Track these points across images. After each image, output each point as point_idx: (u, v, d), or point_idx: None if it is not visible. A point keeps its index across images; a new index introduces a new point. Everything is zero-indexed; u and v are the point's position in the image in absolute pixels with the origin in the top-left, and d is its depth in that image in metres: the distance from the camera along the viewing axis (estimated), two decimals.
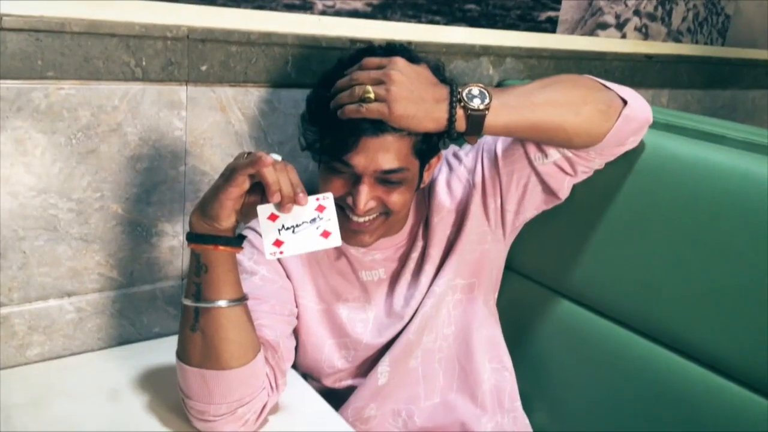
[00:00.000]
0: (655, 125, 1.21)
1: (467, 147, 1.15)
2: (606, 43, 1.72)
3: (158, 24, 1.03)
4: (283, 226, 0.79)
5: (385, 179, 0.94)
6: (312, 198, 0.81)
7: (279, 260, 1.05)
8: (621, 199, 1.15)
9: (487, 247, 1.10)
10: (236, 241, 0.84)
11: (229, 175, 0.78)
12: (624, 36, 1.76)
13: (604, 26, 1.70)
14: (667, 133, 1.16)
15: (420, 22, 1.35)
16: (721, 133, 1.13)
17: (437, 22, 1.38)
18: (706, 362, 1.06)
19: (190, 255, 0.84)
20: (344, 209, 0.96)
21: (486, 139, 1.09)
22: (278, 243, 0.80)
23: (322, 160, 0.98)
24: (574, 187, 1.12)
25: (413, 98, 0.85)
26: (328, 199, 0.81)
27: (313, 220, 0.80)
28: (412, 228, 1.11)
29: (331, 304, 1.09)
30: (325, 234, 0.80)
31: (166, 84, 1.07)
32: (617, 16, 1.71)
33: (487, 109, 0.86)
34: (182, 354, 0.86)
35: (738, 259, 1.01)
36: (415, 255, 1.10)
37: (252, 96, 1.17)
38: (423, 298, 1.08)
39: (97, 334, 1.12)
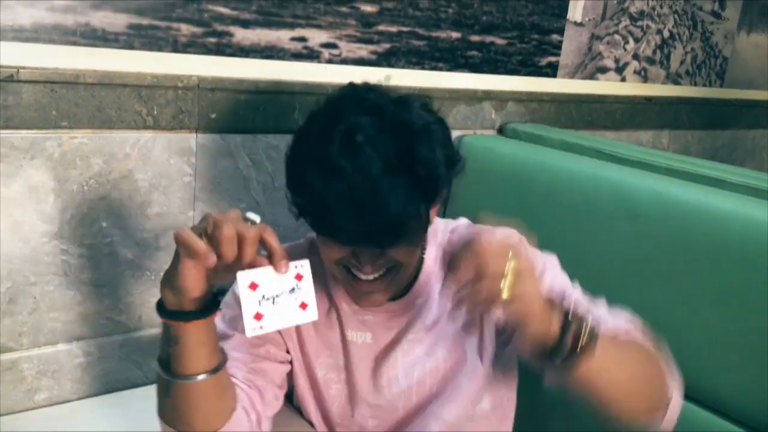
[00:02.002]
0: (657, 169, 1.23)
1: None
2: (606, 86, 1.75)
3: (169, 74, 1.07)
4: (263, 297, 0.72)
5: None
6: (291, 264, 0.72)
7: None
8: (623, 244, 1.16)
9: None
10: (210, 307, 0.74)
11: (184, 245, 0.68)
12: (624, 79, 1.79)
13: (603, 70, 1.73)
14: (668, 177, 1.18)
15: (423, 68, 1.38)
16: (721, 177, 1.15)
17: (440, 69, 1.41)
18: (709, 405, 1.05)
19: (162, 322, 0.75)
20: (349, 269, 0.86)
21: None
22: (258, 316, 0.72)
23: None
24: (575, 232, 1.14)
25: (528, 294, 0.72)
26: (304, 267, 0.73)
27: (292, 290, 0.73)
28: (414, 293, 0.98)
29: (310, 359, 1.00)
30: (303, 306, 0.73)
31: (177, 132, 1.10)
32: (616, 60, 1.75)
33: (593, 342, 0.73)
34: (159, 410, 0.82)
35: (740, 303, 1.02)
36: (416, 326, 0.97)
37: (260, 142, 1.19)
38: (412, 385, 0.97)
39: (105, 378, 1.13)
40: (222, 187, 1.17)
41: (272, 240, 0.70)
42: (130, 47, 1.04)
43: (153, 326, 1.16)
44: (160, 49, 1.06)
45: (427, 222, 0.86)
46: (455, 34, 1.42)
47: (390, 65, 1.33)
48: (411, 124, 0.80)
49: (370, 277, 0.86)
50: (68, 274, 1.05)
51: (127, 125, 1.05)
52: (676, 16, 1.84)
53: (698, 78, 1.99)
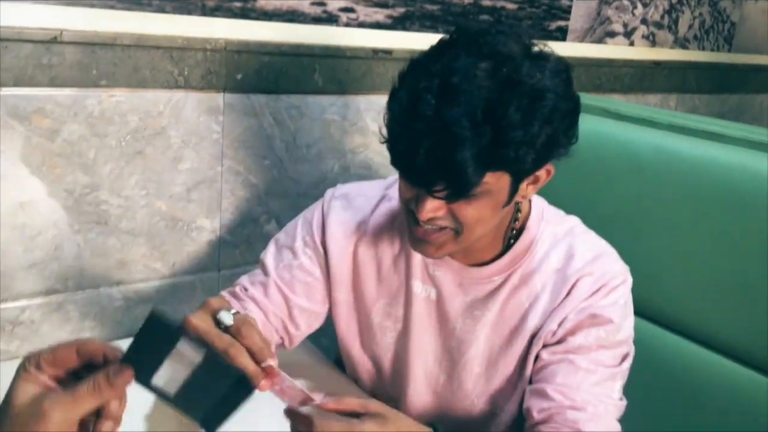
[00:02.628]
0: (659, 126, 1.29)
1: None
2: (615, 50, 1.80)
3: (198, 37, 1.14)
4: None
5: None
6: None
7: (325, 252, 1.01)
8: (628, 196, 1.23)
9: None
10: None
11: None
12: (632, 44, 1.84)
13: (612, 34, 1.78)
14: (670, 133, 1.24)
15: (437, 32, 1.44)
16: (721, 131, 1.21)
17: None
18: (709, 342, 1.13)
19: None
20: (412, 213, 0.84)
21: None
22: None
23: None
24: (583, 187, 1.21)
25: None
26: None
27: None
28: (494, 269, 0.95)
29: (367, 300, 1.02)
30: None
31: (206, 92, 1.17)
32: (625, 25, 1.80)
33: None
34: None
35: (738, 248, 1.09)
36: (484, 304, 0.96)
37: (282, 102, 1.27)
38: (456, 368, 0.99)
39: (142, 320, 1.22)
40: (247, 145, 1.25)
41: (254, 339, 0.65)
42: (162, 11, 1.11)
43: (186, 273, 1.24)
44: (189, 13, 1.13)
45: (498, 197, 0.82)
46: (467, 0, 1.48)
47: (405, 29, 1.40)
48: (521, 83, 0.75)
49: (426, 227, 0.83)
50: (108, 223, 1.14)
51: (160, 85, 1.12)
52: None
53: (706, 43, 2.03)
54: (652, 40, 1.88)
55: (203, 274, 1.27)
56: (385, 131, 0.81)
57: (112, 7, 1.06)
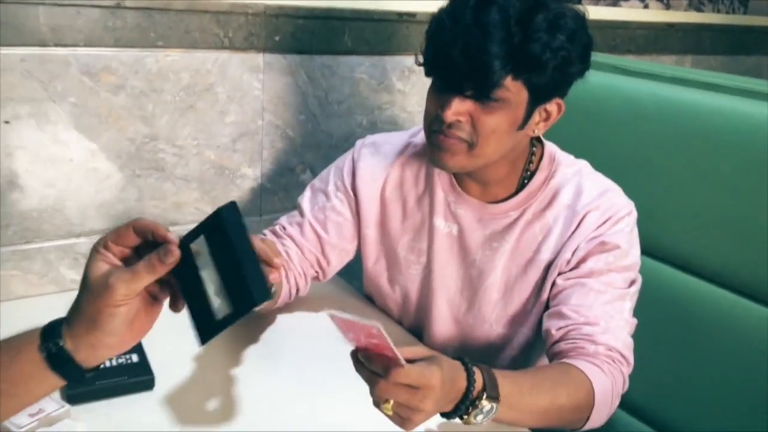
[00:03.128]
0: (661, 78, 1.39)
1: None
2: (629, 12, 1.89)
3: (241, 2, 1.28)
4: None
5: None
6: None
7: (355, 195, 1.14)
8: (633, 142, 1.33)
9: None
10: None
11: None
12: (646, 6, 1.93)
13: None
14: (672, 85, 1.34)
15: None
16: (720, 83, 1.31)
17: None
18: (709, 277, 1.24)
19: None
20: (436, 130, 0.97)
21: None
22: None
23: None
24: (592, 136, 1.32)
25: (428, 418, 0.77)
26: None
27: None
28: (510, 206, 1.07)
29: (394, 236, 1.15)
30: None
31: (248, 52, 1.31)
32: None
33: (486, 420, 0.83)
34: None
35: (735, 189, 1.19)
36: (501, 238, 1.08)
37: (315, 62, 1.40)
38: (474, 297, 1.11)
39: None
40: (285, 101, 1.39)
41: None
42: None
43: None
44: None
45: (514, 112, 0.94)
46: None
47: None
48: (547, 6, 0.90)
49: (447, 128, 0.94)
50: (165, 170, 1.29)
51: (208, 46, 1.27)
52: None
53: (721, 6, 2.10)
54: (666, 3, 1.97)
55: (246, 218, 1.41)
56: (421, 49, 0.95)
57: None
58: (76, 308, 0.64)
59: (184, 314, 0.66)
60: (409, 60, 1.52)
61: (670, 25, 1.97)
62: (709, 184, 1.23)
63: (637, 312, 1.11)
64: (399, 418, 0.75)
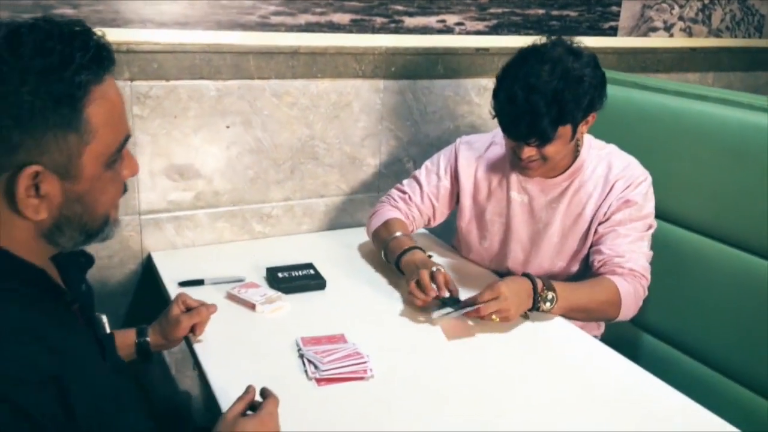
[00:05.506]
0: (676, 93, 1.90)
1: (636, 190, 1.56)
2: (656, 41, 2.41)
3: (370, 46, 1.89)
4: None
5: None
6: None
7: (457, 177, 1.69)
8: (650, 143, 1.82)
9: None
10: None
11: None
12: (671, 35, 2.44)
13: (654, 29, 2.40)
14: (685, 99, 1.84)
15: (519, 35, 2.13)
16: (725, 97, 1.74)
17: (531, 34, 2.15)
18: (719, 237, 1.66)
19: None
20: (518, 160, 1.49)
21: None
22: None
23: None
24: (621, 139, 1.86)
25: (518, 312, 1.38)
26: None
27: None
28: (564, 178, 1.57)
29: (482, 205, 1.68)
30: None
31: (373, 79, 1.93)
32: (665, 22, 2.41)
33: (553, 306, 1.42)
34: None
35: (738, 180, 1.61)
36: (560, 202, 1.58)
37: (418, 85, 2.00)
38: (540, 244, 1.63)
39: (334, 221, 2.01)
40: (396, 112, 2.00)
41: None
42: (350, 32, 1.87)
43: (358, 193, 2.01)
44: (366, 31, 1.89)
45: (566, 138, 1.43)
46: (541, 11, 2.15)
47: (497, 34, 2.10)
48: (568, 73, 1.37)
49: (524, 160, 1.47)
50: (317, 159, 1.92)
51: (348, 75, 1.89)
52: None
53: (737, 32, 2.59)
54: (688, 33, 2.47)
55: (369, 194, 2.03)
56: (492, 111, 1.47)
57: (322, 31, 1.83)
58: (159, 324, 1.31)
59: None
60: (483, 81, 2.10)
61: (693, 49, 2.48)
62: (712, 169, 1.68)
63: (661, 261, 1.55)
64: (504, 318, 1.34)
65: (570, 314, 1.46)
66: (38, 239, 0.82)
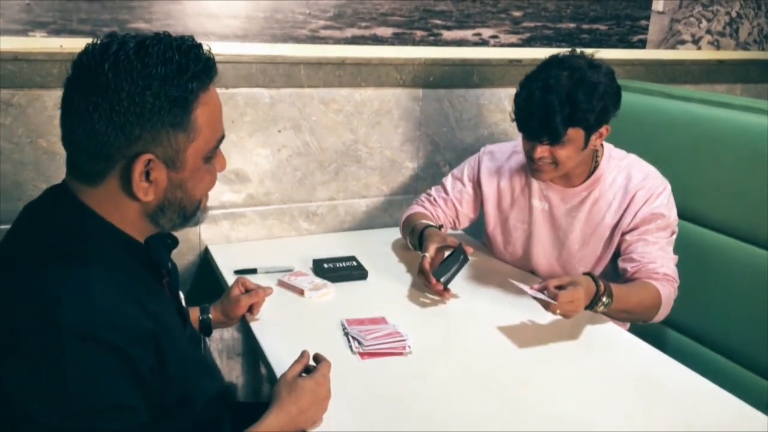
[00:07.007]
0: (685, 98, 2.00)
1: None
2: (684, 53, 2.51)
3: (410, 57, 2.04)
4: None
5: None
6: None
7: (479, 185, 1.81)
8: (667, 144, 1.95)
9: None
10: None
11: None
12: (699, 48, 2.53)
13: (682, 42, 2.50)
14: (699, 104, 1.96)
15: (551, 47, 2.26)
16: (730, 101, 1.89)
17: (563, 47, 2.27)
18: (729, 233, 1.80)
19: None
20: (531, 161, 1.57)
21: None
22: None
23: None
24: (641, 142, 1.97)
25: (582, 310, 1.41)
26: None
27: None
28: (583, 188, 1.65)
29: (506, 212, 1.80)
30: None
31: (413, 88, 2.07)
32: (693, 35, 2.50)
33: (606, 309, 1.47)
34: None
35: (742, 175, 1.76)
36: (579, 210, 1.67)
37: (454, 94, 2.14)
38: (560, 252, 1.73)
39: (374, 220, 2.15)
40: (434, 119, 2.14)
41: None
42: (392, 44, 2.02)
43: (397, 194, 2.15)
44: (406, 44, 2.04)
45: (578, 144, 1.51)
46: (572, 25, 2.28)
47: (530, 46, 2.23)
48: (584, 80, 1.46)
49: (538, 161, 1.55)
50: (360, 162, 2.07)
51: (390, 85, 2.04)
52: (741, 1, 2.54)
53: (765, 45, 2.67)
54: (716, 46, 2.57)
55: (407, 195, 2.17)
56: (512, 114, 1.58)
57: (367, 43, 1.98)
58: (221, 304, 1.45)
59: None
60: (515, 91, 2.22)
61: (721, 62, 2.57)
62: (735, 172, 1.79)
63: (687, 260, 1.65)
64: (566, 316, 1.40)
65: (613, 314, 1.55)
66: (143, 218, 0.97)
